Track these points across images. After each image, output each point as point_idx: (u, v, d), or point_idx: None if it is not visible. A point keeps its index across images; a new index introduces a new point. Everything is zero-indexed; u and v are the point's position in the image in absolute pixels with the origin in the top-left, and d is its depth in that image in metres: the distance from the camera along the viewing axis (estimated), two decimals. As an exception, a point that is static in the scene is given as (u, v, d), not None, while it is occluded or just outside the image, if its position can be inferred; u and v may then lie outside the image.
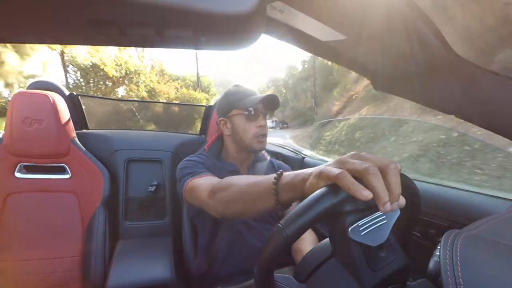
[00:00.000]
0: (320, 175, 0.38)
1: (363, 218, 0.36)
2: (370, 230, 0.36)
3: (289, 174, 0.47)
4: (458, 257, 0.27)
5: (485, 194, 0.74)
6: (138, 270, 0.88)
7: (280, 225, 0.34)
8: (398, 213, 0.38)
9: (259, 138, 0.87)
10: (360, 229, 0.35)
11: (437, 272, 0.36)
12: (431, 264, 0.34)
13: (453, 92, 0.51)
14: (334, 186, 0.35)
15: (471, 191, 0.78)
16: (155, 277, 0.86)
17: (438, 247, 0.31)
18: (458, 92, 0.50)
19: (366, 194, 0.32)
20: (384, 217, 0.37)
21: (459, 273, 0.26)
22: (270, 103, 0.88)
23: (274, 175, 0.49)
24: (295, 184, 0.44)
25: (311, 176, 0.40)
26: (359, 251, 0.35)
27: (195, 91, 16.16)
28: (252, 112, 0.86)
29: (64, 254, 0.96)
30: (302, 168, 1.61)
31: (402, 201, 0.35)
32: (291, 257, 0.81)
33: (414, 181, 0.46)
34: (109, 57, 12.15)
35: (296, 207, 0.35)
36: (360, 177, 0.34)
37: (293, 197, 0.45)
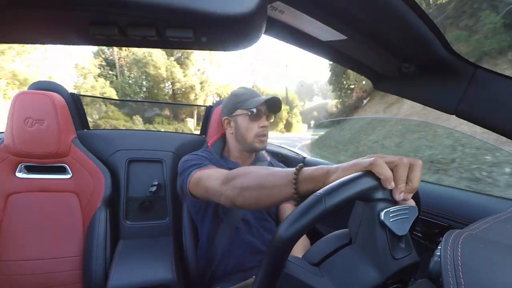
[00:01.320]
0: (355, 166, 0.40)
1: (392, 207, 0.37)
2: (398, 219, 0.37)
3: (310, 168, 0.49)
4: (459, 257, 0.27)
5: (486, 194, 0.74)
6: (139, 270, 0.88)
7: (318, 194, 0.34)
8: (417, 213, 0.40)
9: (260, 137, 0.91)
10: (391, 215, 0.37)
11: (437, 272, 0.36)
12: (432, 264, 0.34)
13: (454, 92, 0.51)
14: (370, 172, 0.37)
15: (471, 191, 0.78)
16: (156, 277, 0.86)
17: (439, 247, 0.31)
18: (458, 91, 0.50)
19: (393, 184, 0.37)
20: (407, 211, 0.39)
21: (460, 273, 0.26)
22: (273, 106, 0.92)
23: (296, 167, 0.50)
24: (317, 176, 0.46)
25: (339, 170, 0.43)
26: (384, 238, 0.37)
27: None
28: (255, 113, 0.90)
29: (65, 254, 0.96)
30: None
31: (411, 201, 0.39)
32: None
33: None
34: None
35: (333, 182, 0.36)
36: (391, 168, 0.37)
37: (313, 189, 0.45)
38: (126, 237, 1.10)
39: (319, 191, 0.35)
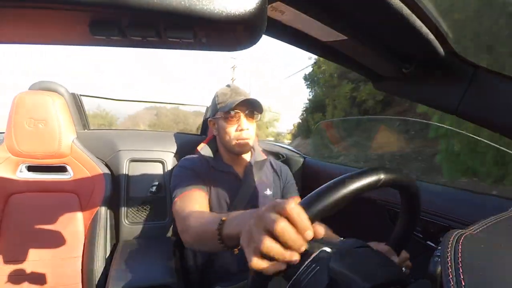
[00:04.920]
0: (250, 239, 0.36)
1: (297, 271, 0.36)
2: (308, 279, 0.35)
3: (233, 219, 0.49)
4: (460, 258, 0.27)
5: (486, 194, 0.74)
6: (139, 270, 0.88)
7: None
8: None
9: (239, 141, 0.87)
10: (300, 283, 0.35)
11: (437, 272, 0.36)
12: (432, 265, 0.34)
13: (454, 92, 0.51)
14: None
15: (472, 191, 0.78)
16: (156, 278, 0.86)
17: (439, 247, 0.31)
18: (459, 91, 0.50)
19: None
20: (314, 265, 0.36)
21: (461, 274, 0.26)
22: (253, 106, 0.88)
23: (219, 221, 0.51)
24: (238, 233, 0.43)
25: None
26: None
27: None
28: (232, 115, 0.86)
29: (65, 255, 0.96)
30: (304, 170, 1.59)
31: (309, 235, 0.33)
32: None
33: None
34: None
35: None
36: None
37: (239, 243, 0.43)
38: (126, 238, 1.10)
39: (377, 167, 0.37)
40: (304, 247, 0.33)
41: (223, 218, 0.51)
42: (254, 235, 0.34)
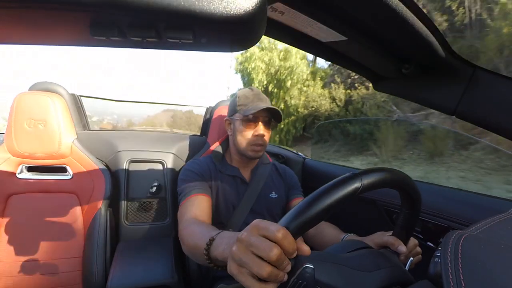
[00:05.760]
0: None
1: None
2: None
3: (220, 243, 0.49)
4: (460, 258, 0.27)
5: (486, 195, 0.74)
6: (139, 271, 0.88)
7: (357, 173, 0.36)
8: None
9: (254, 146, 0.87)
10: None
11: (438, 273, 0.36)
12: (432, 265, 0.34)
13: (453, 92, 0.51)
14: None
15: (472, 192, 0.78)
16: (156, 278, 0.86)
17: (439, 248, 0.31)
18: (458, 92, 0.50)
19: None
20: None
21: (461, 274, 0.26)
22: (273, 114, 0.89)
23: (207, 241, 0.51)
24: (224, 259, 0.44)
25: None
26: None
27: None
28: (251, 120, 0.86)
29: (65, 255, 0.96)
30: (303, 171, 1.59)
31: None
32: None
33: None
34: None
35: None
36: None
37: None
38: (126, 238, 1.10)
39: (357, 172, 0.37)
40: (290, 266, 0.34)
41: (211, 238, 0.51)
42: (245, 261, 0.34)
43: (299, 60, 8.98)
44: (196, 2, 0.20)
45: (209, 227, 0.66)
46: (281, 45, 9.21)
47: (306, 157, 1.47)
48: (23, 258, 0.93)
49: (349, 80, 8.65)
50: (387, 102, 6.88)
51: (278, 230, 0.33)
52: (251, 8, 0.21)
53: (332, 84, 8.73)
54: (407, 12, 0.38)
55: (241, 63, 9.79)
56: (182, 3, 0.20)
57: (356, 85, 8.12)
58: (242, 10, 0.21)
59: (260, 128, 0.87)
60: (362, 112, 7.55)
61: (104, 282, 0.90)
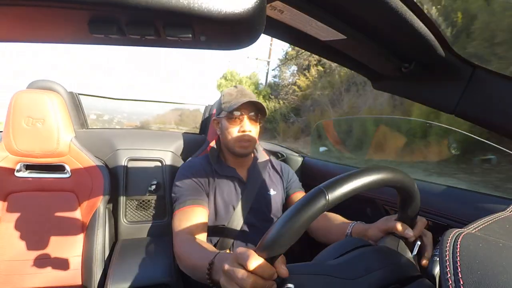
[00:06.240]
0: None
1: None
2: None
3: (220, 265, 0.50)
4: (458, 257, 0.27)
5: (485, 194, 0.74)
6: (138, 269, 0.88)
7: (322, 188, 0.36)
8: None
9: (241, 142, 0.87)
10: None
11: (436, 271, 0.36)
12: (431, 264, 0.34)
13: (453, 91, 0.51)
14: None
15: (471, 191, 0.78)
16: (155, 277, 0.86)
17: (438, 247, 0.31)
18: (457, 91, 0.50)
19: None
20: None
21: (459, 273, 0.26)
22: (257, 108, 0.88)
23: (207, 265, 0.53)
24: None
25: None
26: None
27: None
28: (235, 116, 0.86)
29: (64, 254, 0.96)
30: (302, 169, 1.59)
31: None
32: None
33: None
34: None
35: None
36: None
37: None
38: (125, 237, 1.10)
39: (320, 186, 0.36)
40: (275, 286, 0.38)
41: (210, 263, 0.53)
42: None
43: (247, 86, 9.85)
44: (196, 1, 0.20)
45: (205, 246, 0.67)
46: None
47: (306, 155, 1.47)
48: (21, 257, 0.92)
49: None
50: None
51: (250, 260, 0.36)
52: (250, 6, 0.21)
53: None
54: (407, 11, 0.38)
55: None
56: (182, 0, 0.19)
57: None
58: (241, 8, 0.21)
59: (246, 124, 0.86)
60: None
61: (103, 281, 0.90)
